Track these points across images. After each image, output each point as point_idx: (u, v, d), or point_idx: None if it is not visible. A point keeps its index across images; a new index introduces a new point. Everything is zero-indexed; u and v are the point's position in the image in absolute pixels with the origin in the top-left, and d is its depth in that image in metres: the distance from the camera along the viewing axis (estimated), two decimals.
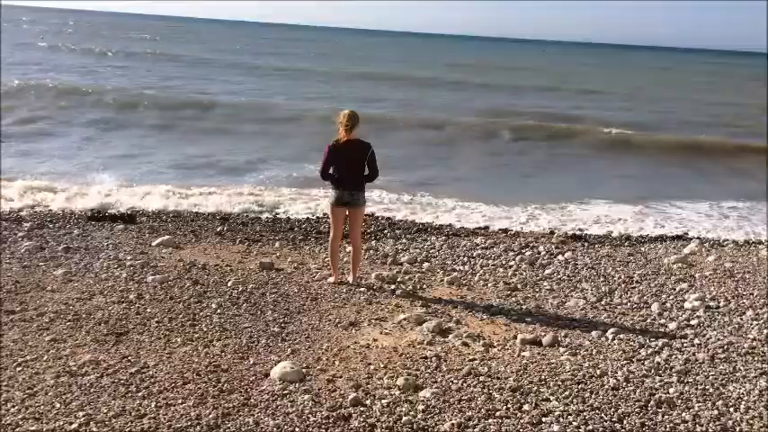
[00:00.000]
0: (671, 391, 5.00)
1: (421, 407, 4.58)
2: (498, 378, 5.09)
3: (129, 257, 7.63)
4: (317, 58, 57.58)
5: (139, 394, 4.55)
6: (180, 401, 4.48)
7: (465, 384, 4.95)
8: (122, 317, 5.89)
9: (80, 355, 5.07)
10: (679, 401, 4.85)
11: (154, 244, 8.28)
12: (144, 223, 9.71)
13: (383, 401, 4.62)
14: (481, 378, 5.06)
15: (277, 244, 8.80)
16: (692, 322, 6.53)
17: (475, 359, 5.43)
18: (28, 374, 4.73)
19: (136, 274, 7.08)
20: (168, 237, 8.59)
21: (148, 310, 6.10)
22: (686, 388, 5.07)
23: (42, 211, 10.29)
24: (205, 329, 5.74)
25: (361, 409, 4.52)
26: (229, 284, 6.91)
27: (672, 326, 6.43)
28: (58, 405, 4.34)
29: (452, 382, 4.99)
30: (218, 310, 6.18)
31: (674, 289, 7.61)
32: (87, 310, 5.99)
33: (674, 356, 5.66)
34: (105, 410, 4.29)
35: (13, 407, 4.28)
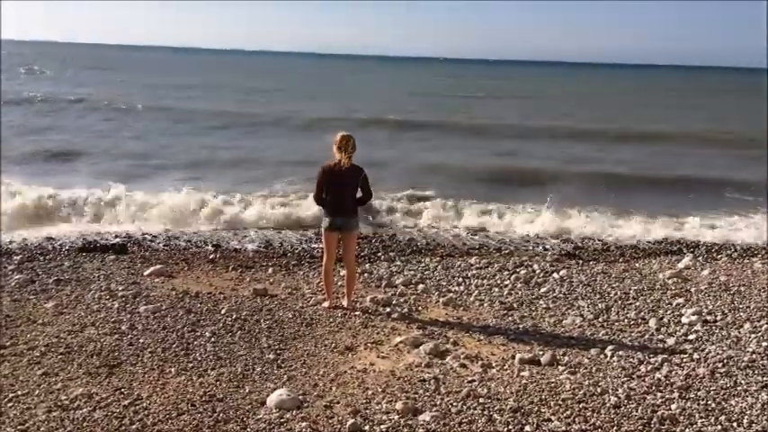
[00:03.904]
0: (673, 407, 4.95)
1: (421, 431, 4.50)
2: (498, 399, 5.02)
3: (120, 288, 7.54)
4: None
5: (133, 427, 4.45)
6: None
7: (465, 407, 4.88)
8: (115, 348, 5.80)
9: (72, 389, 4.97)
10: (682, 418, 4.80)
11: (146, 273, 8.20)
12: (135, 253, 9.62)
13: (382, 426, 4.55)
14: (481, 400, 5.00)
15: (270, 270, 8.73)
16: (691, 337, 6.49)
17: (474, 380, 5.37)
18: (19, 410, 4.64)
19: (128, 304, 6.99)
20: (160, 266, 8.50)
21: (141, 340, 6.00)
22: (688, 404, 5.02)
23: (32, 243, 10.17)
24: (199, 359, 5.65)
25: None
26: (223, 312, 6.82)
27: (670, 341, 6.39)
28: None
29: (452, 404, 4.92)
30: (212, 339, 6.10)
31: (671, 304, 7.58)
32: (79, 343, 5.89)
33: (674, 372, 5.61)
34: None
35: None
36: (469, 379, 5.41)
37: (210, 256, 9.42)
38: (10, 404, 4.71)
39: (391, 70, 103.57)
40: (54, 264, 8.59)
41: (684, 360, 5.91)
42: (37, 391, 4.92)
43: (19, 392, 4.89)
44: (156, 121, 26.28)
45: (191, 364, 5.53)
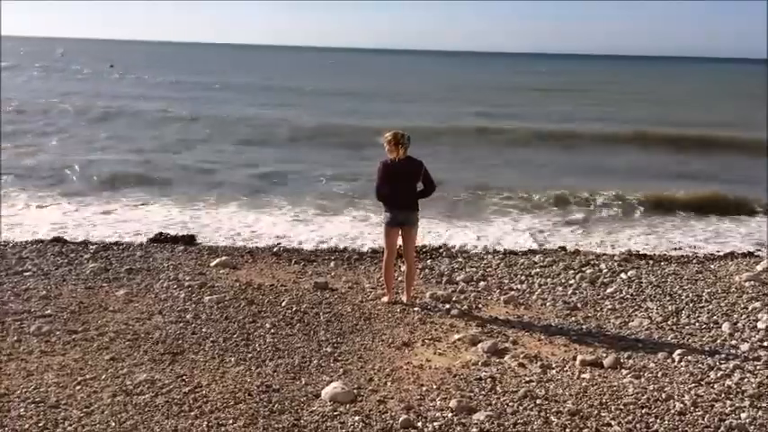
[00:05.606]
0: (743, 416, 4.70)
1: (474, 430, 4.44)
2: (556, 401, 4.90)
3: (187, 278, 7.76)
4: None
5: (192, 414, 4.58)
6: (231, 421, 4.48)
7: (521, 407, 4.78)
8: (179, 336, 5.98)
9: (137, 375, 5.15)
10: (752, 428, 4.55)
11: (212, 265, 8.41)
12: (203, 244, 9.90)
13: (435, 424, 4.51)
14: (538, 401, 4.88)
15: (332, 263, 8.80)
16: (766, 343, 6.15)
17: (532, 381, 5.25)
18: (86, 393, 4.83)
19: (194, 294, 7.19)
20: (226, 257, 8.71)
21: (204, 329, 6.16)
22: (759, 413, 4.76)
23: (107, 233, 10.59)
24: (258, 349, 5.76)
25: (413, 431, 4.42)
26: (283, 304, 6.93)
27: (744, 347, 6.07)
28: (113, 424, 4.40)
29: (508, 404, 4.83)
30: (272, 330, 6.20)
31: (747, 308, 7.20)
32: (146, 330, 6.10)
33: (746, 379, 5.33)
34: (158, 430, 4.34)
35: (70, 425, 4.36)
36: (527, 379, 5.30)
37: (274, 249, 9.58)
38: (78, 387, 4.92)
39: (456, 66, 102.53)
40: (127, 253, 8.93)
41: (758, 367, 5.60)
42: (104, 376, 5.12)
43: (87, 376, 5.10)
44: None
45: (250, 355, 5.63)
